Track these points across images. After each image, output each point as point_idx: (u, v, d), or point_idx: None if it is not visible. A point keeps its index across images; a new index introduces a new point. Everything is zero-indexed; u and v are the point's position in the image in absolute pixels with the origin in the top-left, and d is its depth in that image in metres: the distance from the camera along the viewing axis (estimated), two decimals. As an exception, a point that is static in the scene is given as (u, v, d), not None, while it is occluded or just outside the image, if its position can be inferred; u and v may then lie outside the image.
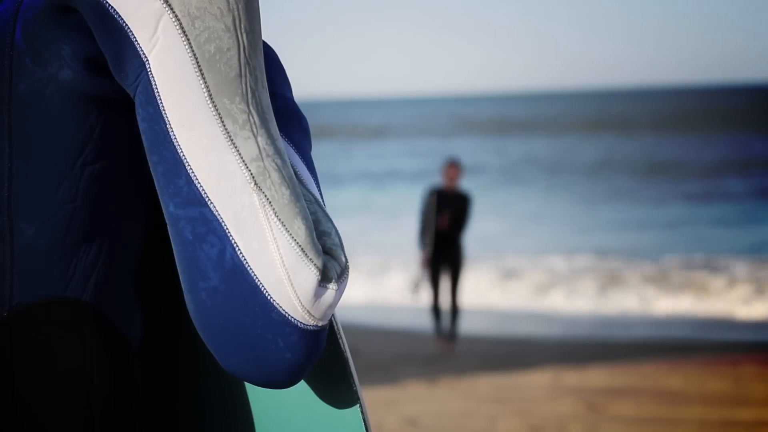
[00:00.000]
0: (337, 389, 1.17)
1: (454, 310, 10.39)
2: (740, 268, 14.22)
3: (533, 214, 22.06)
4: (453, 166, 10.52)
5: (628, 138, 44.74)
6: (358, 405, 1.16)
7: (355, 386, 1.16)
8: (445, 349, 10.01)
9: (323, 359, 1.16)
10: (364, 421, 1.16)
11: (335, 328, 1.16)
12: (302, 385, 1.19)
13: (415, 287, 10.74)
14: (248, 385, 1.24)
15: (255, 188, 1.04)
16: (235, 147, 1.04)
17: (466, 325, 10.90)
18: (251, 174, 1.04)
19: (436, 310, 10.39)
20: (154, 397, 1.27)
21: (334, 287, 1.06)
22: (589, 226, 19.82)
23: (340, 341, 1.16)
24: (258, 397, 1.24)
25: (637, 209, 22.41)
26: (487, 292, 13.27)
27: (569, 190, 26.44)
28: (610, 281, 13.75)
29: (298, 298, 1.04)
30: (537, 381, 8.39)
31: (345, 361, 1.16)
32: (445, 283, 10.43)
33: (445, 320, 10.36)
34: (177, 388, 1.27)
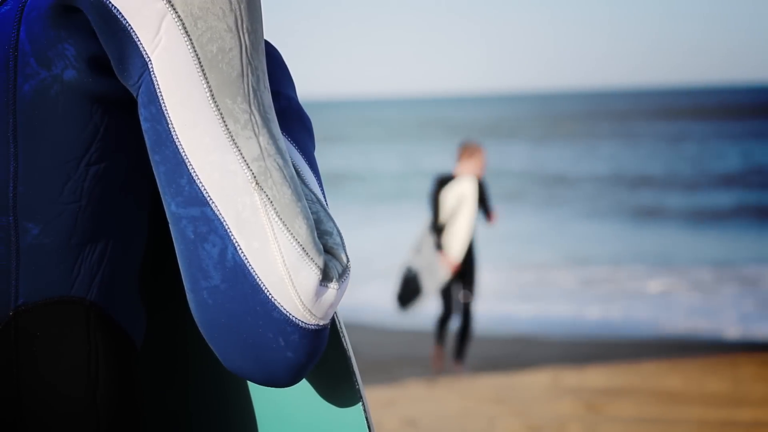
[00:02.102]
0: (340, 388, 1.18)
1: (467, 322, 8.85)
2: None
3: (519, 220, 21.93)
4: (469, 149, 8.77)
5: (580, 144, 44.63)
6: (360, 404, 1.17)
7: (358, 385, 1.16)
8: (455, 367, 8.78)
9: (326, 358, 1.16)
10: (367, 420, 1.17)
11: (338, 326, 1.16)
12: (305, 384, 1.20)
13: (407, 303, 8.97)
14: (251, 384, 1.24)
15: (256, 188, 1.04)
16: (237, 147, 1.05)
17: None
18: (253, 174, 1.04)
19: (443, 322, 8.87)
20: (155, 396, 1.27)
21: (336, 286, 1.06)
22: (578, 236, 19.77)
23: (343, 340, 1.17)
24: (260, 395, 1.24)
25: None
26: (485, 293, 13.26)
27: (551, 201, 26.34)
28: (599, 284, 13.76)
29: (299, 297, 1.04)
30: (536, 381, 8.39)
31: (348, 359, 1.16)
32: (455, 293, 8.87)
33: (451, 334, 9.03)
34: (178, 387, 1.28)
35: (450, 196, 8.68)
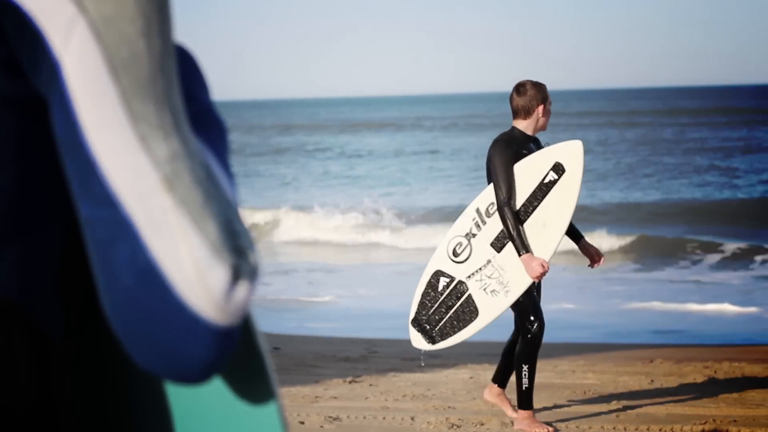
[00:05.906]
0: (255, 386, 1.19)
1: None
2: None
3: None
4: (526, 85, 5.89)
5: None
6: (275, 401, 1.18)
7: (273, 383, 1.18)
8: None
9: (241, 357, 1.18)
10: (281, 417, 1.19)
11: (252, 326, 1.18)
12: (220, 383, 1.21)
13: (441, 336, 6.23)
14: (167, 382, 1.26)
15: (167, 189, 1.05)
16: (148, 149, 1.05)
17: (385, 327, 10.93)
18: (164, 175, 1.05)
19: (529, 351, 6.14)
20: (82, 396, 1.28)
21: (246, 286, 1.07)
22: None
23: (258, 339, 1.18)
24: (177, 394, 1.25)
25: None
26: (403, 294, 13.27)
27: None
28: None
29: (209, 297, 1.05)
30: (456, 379, 8.46)
31: (262, 358, 1.18)
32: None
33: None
34: (104, 387, 1.28)
35: (530, 166, 5.76)
